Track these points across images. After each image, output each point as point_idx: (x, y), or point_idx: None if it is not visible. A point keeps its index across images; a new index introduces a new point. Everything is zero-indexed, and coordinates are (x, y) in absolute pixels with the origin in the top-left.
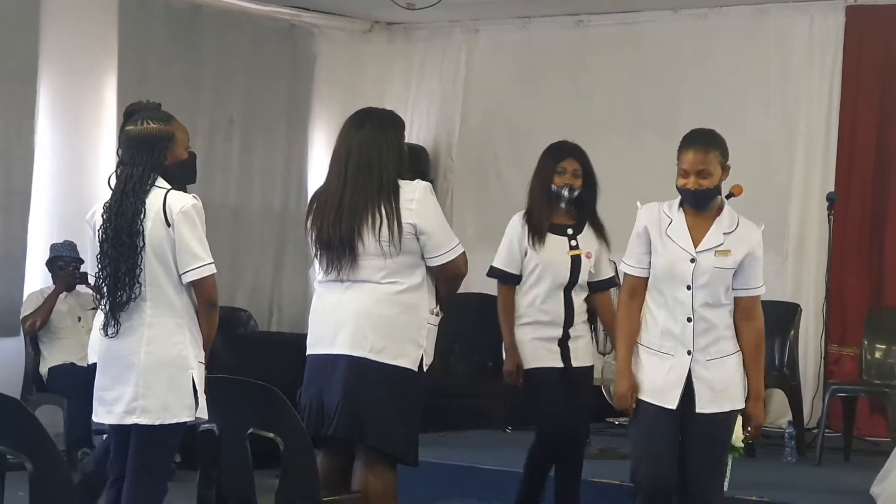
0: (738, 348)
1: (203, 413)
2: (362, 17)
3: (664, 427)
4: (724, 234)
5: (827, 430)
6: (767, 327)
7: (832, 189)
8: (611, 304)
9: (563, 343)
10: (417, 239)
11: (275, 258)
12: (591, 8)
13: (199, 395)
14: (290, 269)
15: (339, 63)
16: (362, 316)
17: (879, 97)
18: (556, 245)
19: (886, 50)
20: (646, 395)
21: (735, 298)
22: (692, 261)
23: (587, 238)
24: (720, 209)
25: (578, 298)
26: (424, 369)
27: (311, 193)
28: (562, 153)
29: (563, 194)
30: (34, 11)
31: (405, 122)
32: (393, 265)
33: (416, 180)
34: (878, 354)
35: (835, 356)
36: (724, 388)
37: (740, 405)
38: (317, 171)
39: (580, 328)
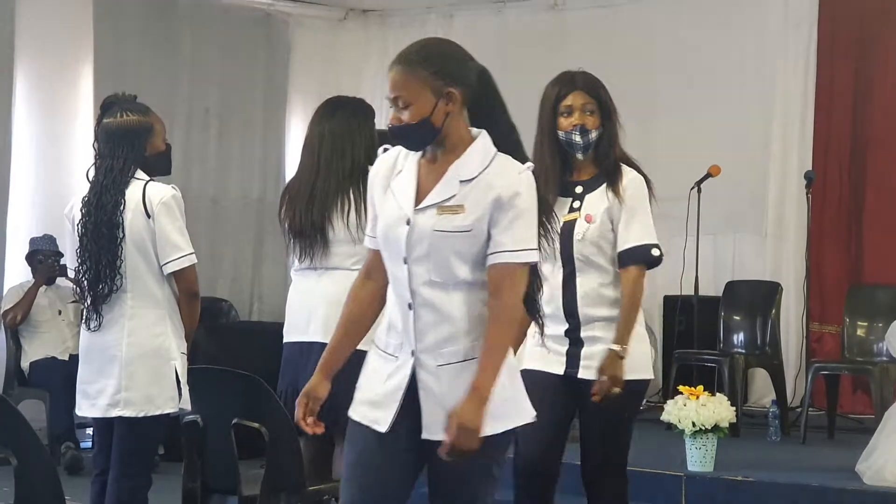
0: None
1: (186, 404)
2: (337, 5)
3: (372, 456)
4: (461, 182)
5: (810, 409)
6: (749, 307)
7: (810, 168)
8: (633, 287)
9: (573, 344)
10: None
11: (254, 247)
12: None
13: (182, 386)
14: (270, 258)
15: (314, 51)
16: (333, 303)
17: (854, 74)
18: (560, 212)
19: (860, 27)
20: (355, 412)
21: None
22: (407, 223)
23: (597, 196)
24: (464, 148)
25: (591, 282)
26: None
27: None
28: (564, 86)
29: (575, 140)
30: (9, 4)
31: (377, 110)
32: (363, 251)
33: None
34: (859, 332)
35: (816, 334)
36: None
37: (489, 430)
38: (294, 160)
39: (601, 326)
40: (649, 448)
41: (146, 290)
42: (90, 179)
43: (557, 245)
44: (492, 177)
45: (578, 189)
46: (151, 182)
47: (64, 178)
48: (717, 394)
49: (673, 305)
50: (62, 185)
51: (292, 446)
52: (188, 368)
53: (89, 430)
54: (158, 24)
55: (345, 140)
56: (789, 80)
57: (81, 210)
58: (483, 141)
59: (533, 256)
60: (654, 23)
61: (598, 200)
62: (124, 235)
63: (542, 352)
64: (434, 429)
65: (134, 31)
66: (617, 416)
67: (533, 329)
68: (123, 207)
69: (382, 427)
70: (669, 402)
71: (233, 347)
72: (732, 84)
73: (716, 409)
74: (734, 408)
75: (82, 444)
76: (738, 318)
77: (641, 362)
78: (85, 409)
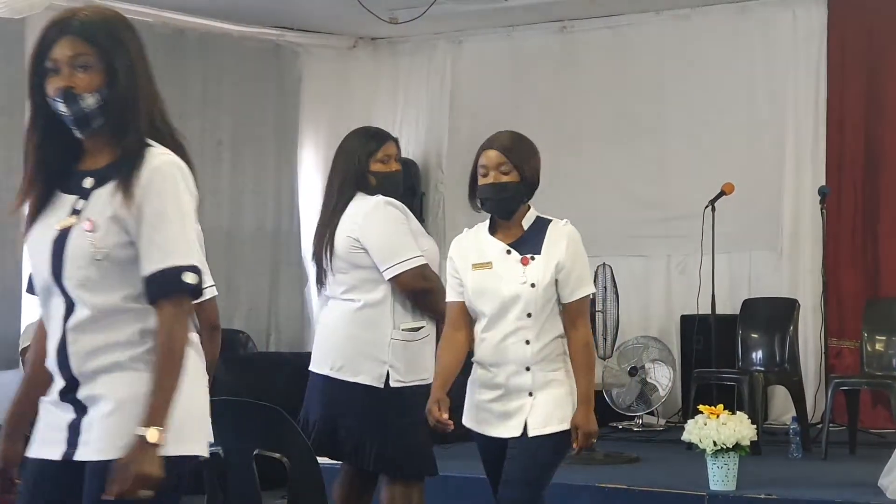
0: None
1: (208, 436)
2: (346, 34)
3: None
4: None
5: (831, 425)
6: (766, 324)
7: (823, 183)
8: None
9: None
10: (369, 253)
11: (270, 278)
12: (574, 13)
13: None
14: (286, 289)
15: (325, 80)
16: (328, 334)
17: (865, 88)
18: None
19: (870, 40)
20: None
21: None
22: None
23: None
24: None
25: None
26: (392, 385)
27: (302, 212)
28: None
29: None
30: (19, 41)
31: (395, 136)
32: (350, 280)
33: (377, 195)
34: (878, 346)
35: (835, 350)
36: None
37: None
38: (307, 189)
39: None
40: (671, 468)
41: None
42: None
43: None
44: None
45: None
46: None
47: None
48: (738, 412)
49: (690, 325)
50: None
51: (314, 476)
52: (209, 401)
53: None
54: (168, 58)
55: (338, 168)
56: (800, 95)
57: None
58: None
59: None
60: (663, 42)
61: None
62: None
63: None
64: None
65: None
66: None
67: None
68: None
69: None
70: (690, 421)
71: (251, 379)
72: (743, 101)
73: (736, 427)
74: (755, 426)
75: None
76: (755, 335)
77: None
78: None
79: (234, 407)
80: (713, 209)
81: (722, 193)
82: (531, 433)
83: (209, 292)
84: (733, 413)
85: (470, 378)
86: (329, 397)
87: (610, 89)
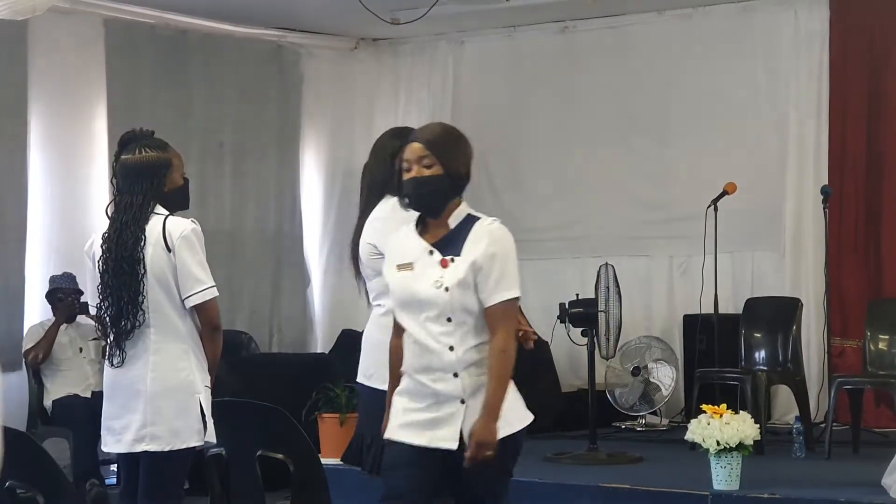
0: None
1: (211, 437)
2: (348, 35)
3: None
4: None
5: (834, 424)
6: (769, 324)
7: (826, 183)
8: None
9: None
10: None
11: (272, 279)
12: (575, 14)
13: (206, 420)
14: (288, 290)
15: (326, 82)
16: (364, 341)
17: (867, 87)
18: None
19: (871, 40)
20: None
21: None
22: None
23: None
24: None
25: None
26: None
27: (304, 214)
28: None
29: None
30: (21, 44)
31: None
32: (376, 286)
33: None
34: (881, 345)
35: (838, 349)
36: None
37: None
38: (308, 190)
39: None
40: (674, 468)
41: (169, 324)
42: (110, 216)
43: None
44: None
45: None
46: (171, 216)
47: (81, 215)
48: (741, 412)
49: (693, 324)
50: (80, 222)
51: (317, 476)
52: (212, 401)
53: (113, 467)
54: (170, 60)
55: (365, 171)
56: (802, 95)
57: (102, 247)
58: None
59: None
60: (665, 43)
61: None
62: (145, 271)
63: None
64: None
65: (146, 67)
66: None
67: None
68: (144, 243)
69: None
70: (693, 421)
71: (254, 379)
72: (745, 100)
73: (739, 427)
74: (758, 425)
75: (107, 481)
76: (758, 335)
77: None
78: (110, 445)
79: (236, 408)
80: (716, 209)
81: (724, 193)
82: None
83: (210, 293)
84: (736, 413)
85: (398, 388)
86: (364, 406)
87: (612, 89)
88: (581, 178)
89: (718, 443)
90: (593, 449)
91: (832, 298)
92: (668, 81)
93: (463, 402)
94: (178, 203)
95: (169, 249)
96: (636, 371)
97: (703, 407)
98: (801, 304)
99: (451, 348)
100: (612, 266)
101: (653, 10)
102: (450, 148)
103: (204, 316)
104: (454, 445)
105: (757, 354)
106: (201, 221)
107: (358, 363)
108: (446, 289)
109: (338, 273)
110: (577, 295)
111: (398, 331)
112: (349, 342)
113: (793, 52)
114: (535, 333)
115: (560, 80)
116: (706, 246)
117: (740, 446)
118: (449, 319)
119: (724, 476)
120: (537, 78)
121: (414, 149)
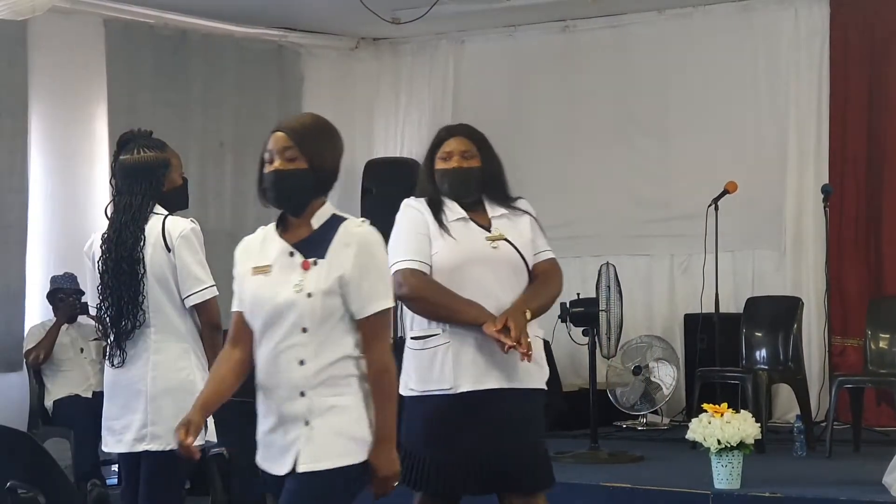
0: None
1: (212, 437)
2: (348, 35)
3: None
4: None
5: (835, 423)
6: (770, 322)
7: (826, 181)
8: None
9: None
10: None
11: None
12: (576, 13)
13: (207, 419)
14: None
15: (327, 81)
16: None
17: (868, 85)
18: None
19: (872, 38)
20: None
21: None
22: None
23: None
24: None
25: None
26: (402, 394)
27: None
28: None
29: None
30: (21, 44)
31: (398, 137)
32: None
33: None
34: (882, 344)
35: (838, 348)
36: None
37: None
38: None
39: None
40: (675, 467)
41: (169, 324)
42: (109, 216)
43: None
44: None
45: None
46: (170, 216)
47: (81, 215)
48: (742, 411)
49: (694, 323)
50: (80, 222)
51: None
52: None
53: (114, 467)
54: (170, 60)
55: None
56: (802, 93)
57: (101, 247)
58: None
59: None
60: (665, 41)
61: None
62: (145, 271)
63: None
64: None
65: (146, 67)
66: None
67: None
68: (143, 243)
69: None
70: (694, 420)
71: (253, 378)
72: (746, 99)
73: (740, 425)
74: (759, 424)
75: (108, 481)
76: (759, 334)
77: None
78: (111, 445)
79: (237, 407)
80: (716, 208)
81: (725, 192)
82: (300, 468)
83: (210, 292)
84: (737, 411)
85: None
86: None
87: (612, 88)
88: (581, 177)
89: (719, 442)
90: (594, 448)
91: (833, 297)
92: (669, 80)
93: (307, 423)
94: (177, 203)
95: (168, 249)
96: (637, 370)
97: (704, 406)
98: (802, 303)
99: (302, 362)
100: (613, 265)
101: (653, 9)
102: (317, 141)
103: (204, 315)
104: (282, 471)
105: (758, 353)
106: (201, 221)
107: None
108: (308, 294)
109: None
110: (578, 294)
111: (235, 339)
112: None
113: (793, 50)
114: (529, 347)
115: (560, 80)
116: (707, 245)
117: (741, 445)
118: (304, 330)
119: (725, 475)
120: (538, 77)
121: (277, 138)
